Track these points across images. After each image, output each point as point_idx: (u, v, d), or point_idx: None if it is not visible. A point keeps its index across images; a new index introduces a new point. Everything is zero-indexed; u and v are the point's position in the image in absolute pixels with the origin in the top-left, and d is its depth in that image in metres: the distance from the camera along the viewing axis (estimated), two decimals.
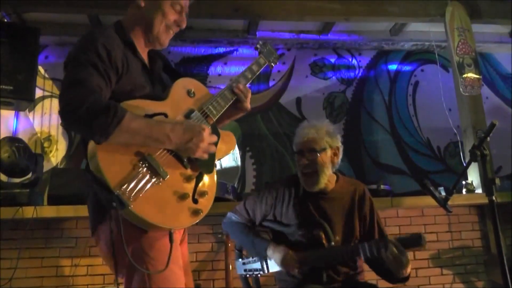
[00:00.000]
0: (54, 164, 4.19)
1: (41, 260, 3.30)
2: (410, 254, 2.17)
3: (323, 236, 2.28)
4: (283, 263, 2.27)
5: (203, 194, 1.63)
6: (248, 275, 2.50)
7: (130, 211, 1.42)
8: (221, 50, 4.76)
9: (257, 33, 4.54)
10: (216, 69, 4.70)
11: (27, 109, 4.16)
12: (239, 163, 4.00)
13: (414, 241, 2.14)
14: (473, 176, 3.88)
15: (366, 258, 2.23)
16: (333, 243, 2.28)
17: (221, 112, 1.80)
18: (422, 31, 4.76)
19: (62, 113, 1.43)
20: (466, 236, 3.76)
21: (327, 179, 2.40)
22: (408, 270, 2.17)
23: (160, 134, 1.51)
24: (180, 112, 1.67)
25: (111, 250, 1.49)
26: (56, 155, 4.24)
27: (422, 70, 5.05)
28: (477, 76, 4.08)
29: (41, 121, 4.31)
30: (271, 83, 4.74)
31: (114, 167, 1.43)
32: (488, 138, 1.87)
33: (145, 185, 1.46)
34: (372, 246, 2.16)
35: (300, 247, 2.32)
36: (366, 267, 2.44)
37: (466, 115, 4.08)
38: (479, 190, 3.74)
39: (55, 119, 4.31)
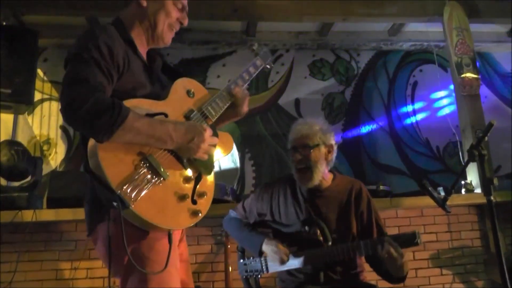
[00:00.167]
0: (53, 167, 4.20)
1: (41, 263, 3.29)
2: (409, 254, 2.17)
3: (320, 234, 2.28)
4: (275, 254, 2.31)
5: (202, 195, 1.63)
6: (249, 276, 2.51)
7: (130, 211, 1.42)
8: (220, 51, 4.76)
9: (255, 34, 4.54)
10: (215, 70, 4.71)
11: (26, 112, 4.16)
12: (238, 164, 4.00)
13: (409, 239, 2.14)
14: (472, 175, 3.88)
15: (365, 257, 2.23)
16: (330, 242, 2.27)
17: (220, 113, 1.81)
18: (420, 31, 4.78)
19: (65, 111, 1.41)
20: (466, 236, 3.75)
21: (321, 175, 2.40)
22: (406, 269, 2.17)
23: (163, 134, 1.51)
24: (180, 112, 1.68)
25: (108, 250, 1.49)
26: (55, 158, 4.24)
27: (420, 70, 5.06)
28: (476, 76, 4.08)
29: (40, 124, 4.32)
30: (270, 84, 4.75)
31: (115, 167, 1.43)
32: (486, 138, 1.86)
33: (146, 185, 1.46)
34: (368, 245, 2.17)
35: (298, 246, 2.33)
36: (367, 267, 2.44)
37: (464, 115, 4.08)
38: (478, 190, 3.74)
39: (54, 122, 4.32)
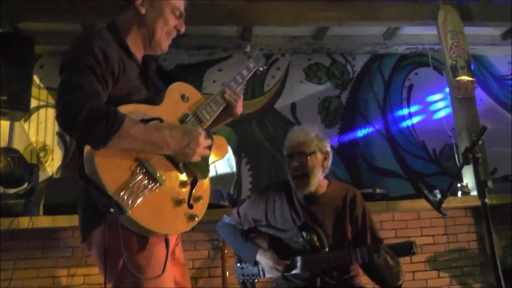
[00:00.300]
0: (50, 173, 4.19)
1: (38, 270, 3.28)
2: (406, 258, 2.17)
3: (317, 240, 2.29)
4: (271, 268, 2.32)
5: (198, 199, 1.64)
6: (246, 280, 2.51)
7: (127, 216, 1.41)
8: (216, 56, 4.78)
9: (251, 39, 4.56)
10: (211, 75, 4.72)
11: (23, 119, 4.16)
12: (234, 169, 4.00)
13: (406, 249, 2.16)
14: (468, 178, 3.89)
15: (361, 263, 2.24)
16: (327, 249, 2.28)
17: (214, 117, 1.82)
18: (415, 34, 4.80)
19: (60, 119, 1.40)
20: (462, 238, 3.76)
21: (318, 182, 2.42)
22: (402, 277, 2.16)
23: (159, 140, 1.51)
24: (175, 117, 1.68)
25: (103, 256, 1.48)
26: (52, 164, 4.24)
27: (416, 74, 5.08)
28: (471, 79, 4.10)
29: (37, 131, 4.31)
30: (265, 89, 4.76)
31: (112, 173, 1.43)
32: (480, 142, 1.87)
33: (142, 190, 1.47)
34: (364, 252, 2.18)
35: (295, 251, 2.33)
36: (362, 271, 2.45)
37: (460, 117, 4.09)
38: (474, 192, 3.74)
39: (51, 128, 4.32)
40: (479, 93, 4.85)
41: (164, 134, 1.52)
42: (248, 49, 2.12)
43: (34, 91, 4.24)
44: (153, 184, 1.50)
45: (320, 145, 2.43)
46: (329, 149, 2.49)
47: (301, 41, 4.77)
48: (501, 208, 3.59)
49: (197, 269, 3.42)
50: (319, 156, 2.42)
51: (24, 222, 3.07)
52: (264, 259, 2.35)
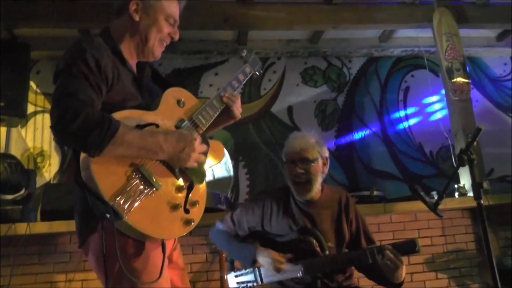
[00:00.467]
0: (47, 179, 4.18)
1: (35, 276, 3.27)
2: (404, 259, 2.19)
3: (317, 244, 2.29)
4: (271, 263, 2.27)
5: (194, 203, 1.64)
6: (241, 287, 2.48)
7: (124, 222, 1.42)
8: (212, 60, 4.78)
9: (247, 43, 4.57)
10: (207, 79, 4.73)
11: (19, 125, 4.16)
12: (231, 173, 4.00)
13: (409, 247, 2.18)
14: (465, 179, 3.90)
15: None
16: (327, 252, 2.29)
17: (210, 122, 1.82)
18: (411, 37, 4.81)
19: (55, 128, 1.40)
20: (460, 239, 3.76)
21: (318, 187, 2.45)
22: (403, 274, 2.19)
23: (154, 145, 1.51)
24: (170, 122, 1.68)
25: (99, 261, 1.49)
26: (49, 170, 4.23)
27: (412, 76, 5.09)
28: (466, 80, 4.12)
29: (34, 136, 4.31)
30: (262, 92, 4.77)
31: (108, 179, 1.44)
32: (475, 143, 1.88)
33: (138, 195, 1.47)
34: (374, 253, 2.18)
35: (294, 256, 2.31)
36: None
37: (456, 119, 4.11)
38: (471, 193, 3.73)
39: (48, 134, 4.31)
40: (475, 94, 4.87)
41: (158, 140, 1.52)
42: (244, 53, 2.11)
43: (31, 96, 4.24)
44: (149, 189, 1.50)
45: (321, 151, 2.47)
46: (327, 154, 2.52)
47: (297, 45, 4.78)
48: (498, 209, 3.60)
49: (195, 273, 3.41)
50: (320, 162, 2.45)
51: (22, 228, 3.06)
52: (263, 257, 2.30)
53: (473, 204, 1.88)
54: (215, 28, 4.27)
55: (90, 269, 3.21)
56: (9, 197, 3.39)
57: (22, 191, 3.31)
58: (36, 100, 4.37)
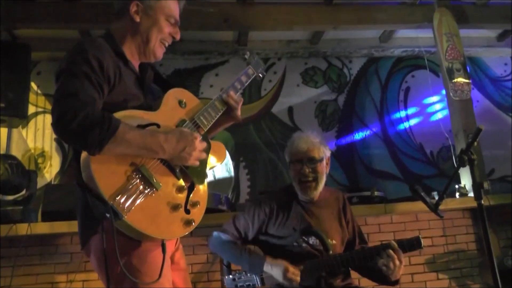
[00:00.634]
0: (48, 180, 4.19)
1: (36, 277, 3.27)
2: (405, 259, 2.20)
3: (320, 244, 2.29)
4: (285, 276, 2.21)
5: (195, 204, 1.64)
6: None
7: (123, 222, 1.42)
8: (213, 61, 4.79)
9: (247, 43, 4.57)
10: (208, 80, 4.73)
11: (20, 126, 4.16)
12: (232, 173, 4.01)
13: (415, 245, 2.20)
14: (466, 179, 3.90)
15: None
16: (331, 251, 2.28)
17: (212, 123, 1.82)
18: (411, 37, 4.81)
19: (56, 126, 1.41)
20: (461, 239, 3.76)
21: (322, 186, 2.48)
22: (401, 272, 2.20)
23: (154, 145, 1.51)
24: (172, 123, 1.68)
25: (101, 262, 1.49)
26: (50, 171, 4.24)
27: (412, 76, 5.09)
28: (467, 81, 4.12)
29: (35, 137, 4.31)
30: (262, 93, 4.77)
31: (108, 178, 1.44)
32: (476, 143, 1.88)
33: (138, 195, 1.47)
34: (380, 251, 2.18)
35: (296, 257, 2.31)
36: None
37: (457, 119, 4.10)
38: (472, 194, 3.73)
39: (49, 135, 4.32)
40: (475, 94, 4.88)
41: (159, 139, 1.53)
42: (247, 55, 2.10)
43: (32, 97, 4.25)
44: (149, 189, 1.50)
45: (325, 151, 2.50)
46: (329, 154, 2.55)
47: (297, 45, 4.78)
48: (499, 209, 3.59)
49: (195, 273, 3.41)
50: (325, 161, 2.49)
51: (23, 229, 3.06)
52: (275, 268, 2.23)
53: (474, 204, 1.88)
54: (215, 29, 4.27)
55: (91, 269, 3.23)
56: (10, 197, 3.39)
57: (23, 192, 3.31)
58: (37, 101, 4.38)
